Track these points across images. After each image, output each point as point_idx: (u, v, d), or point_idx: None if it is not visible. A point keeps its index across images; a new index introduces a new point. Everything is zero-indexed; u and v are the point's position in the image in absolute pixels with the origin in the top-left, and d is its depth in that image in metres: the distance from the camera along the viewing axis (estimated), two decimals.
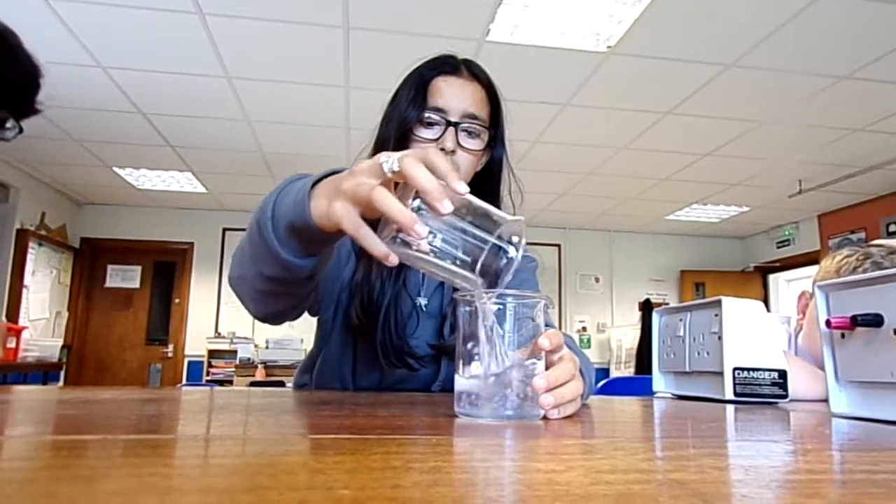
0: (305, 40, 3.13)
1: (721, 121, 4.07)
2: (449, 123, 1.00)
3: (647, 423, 0.71)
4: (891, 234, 5.48)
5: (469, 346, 0.62)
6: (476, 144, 1.04)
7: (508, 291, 0.61)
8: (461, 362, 0.63)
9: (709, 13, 2.84)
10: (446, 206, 0.52)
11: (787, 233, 6.91)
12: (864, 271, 1.24)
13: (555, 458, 0.41)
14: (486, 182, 1.12)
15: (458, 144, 1.01)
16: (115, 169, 5.35)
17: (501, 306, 0.62)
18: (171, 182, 5.75)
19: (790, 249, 6.93)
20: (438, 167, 0.54)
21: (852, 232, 5.93)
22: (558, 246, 7.39)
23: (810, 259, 6.53)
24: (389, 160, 0.55)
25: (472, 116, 1.02)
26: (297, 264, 0.69)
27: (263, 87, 3.68)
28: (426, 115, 1.01)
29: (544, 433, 0.55)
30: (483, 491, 0.29)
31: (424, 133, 1.01)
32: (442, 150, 0.99)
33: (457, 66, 1.06)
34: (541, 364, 0.63)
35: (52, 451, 0.40)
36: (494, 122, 1.10)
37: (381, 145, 1.05)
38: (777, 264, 7.17)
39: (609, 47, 3.15)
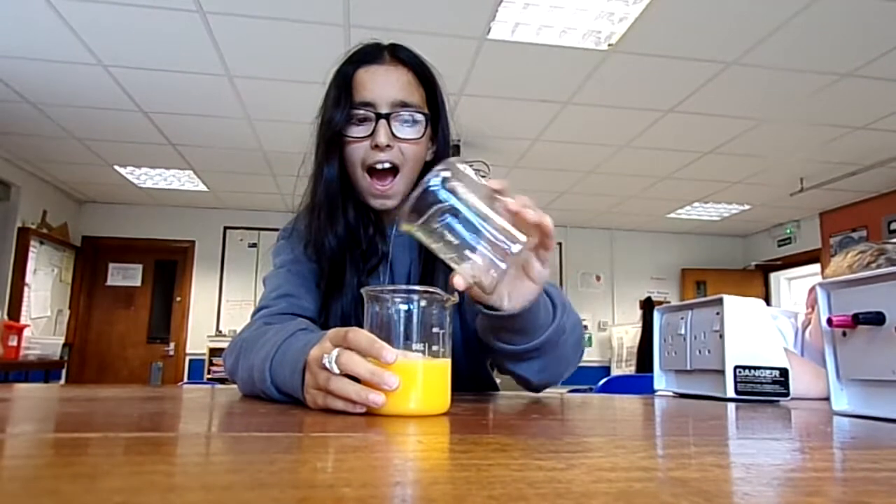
0: (306, 39, 3.13)
1: (722, 119, 4.07)
2: (379, 116, 0.94)
3: (648, 421, 0.71)
4: (892, 233, 5.47)
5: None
6: (413, 132, 0.97)
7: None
8: None
9: (710, 11, 2.83)
10: (392, 383, 0.58)
11: (788, 231, 6.91)
12: (878, 267, 1.23)
13: (556, 456, 0.41)
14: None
15: (393, 136, 0.95)
16: (117, 167, 5.35)
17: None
18: (172, 180, 5.76)
19: (791, 248, 6.92)
20: (363, 347, 0.61)
21: (854, 230, 5.92)
22: (559, 244, 7.38)
23: (812, 257, 6.53)
24: (328, 361, 0.62)
25: (403, 104, 0.96)
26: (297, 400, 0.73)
27: (264, 86, 3.68)
28: (353, 111, 0.95)
29: (545, 431, 0.55)
30: (485, 489, 0.29)
31: (355, 132, 0.95)
32: (376, 146, 0.94)
33: (378, 53, 0.99)
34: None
35: (54, 449, 0.40)
36: (433, 105, 1.01)
37: (315, 161, 1.00)
38: (778, 262, 7.17)
39: (610, 45, 3.14)
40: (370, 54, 0.99)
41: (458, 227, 0.64)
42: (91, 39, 3.15)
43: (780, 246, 7.11)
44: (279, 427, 0.54)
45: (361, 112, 0.95)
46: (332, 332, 0.66)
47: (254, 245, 6.82)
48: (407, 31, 3.01)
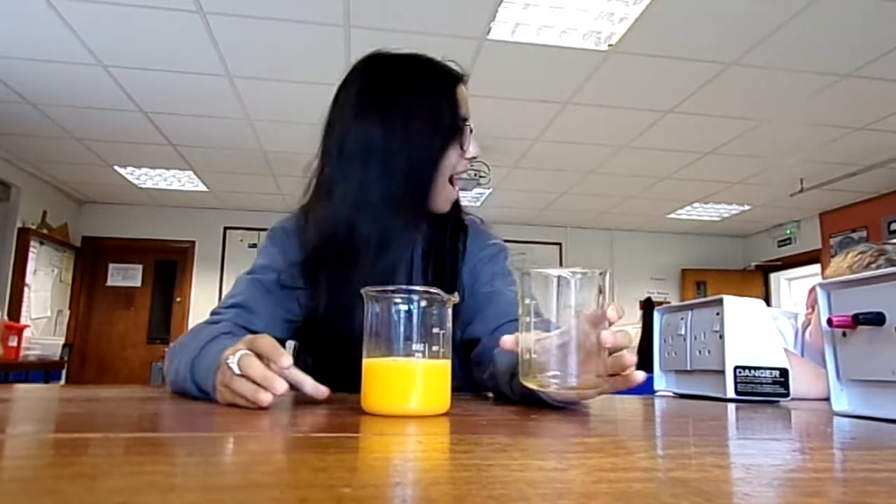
0: (306, 39, 3.13)
1: (722, 119, 4.07)
2: (471, 130, 1.01)
3: (648, 421, 0.71)
4: (892, 233, 5.47)
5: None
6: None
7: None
8: None
9: (710, 12, 2.83)
10: (278, 389, 0.64)
11: (788, 231, 6.90)
12: (878, 268, 1.23)
13: (556, 456, 0.41)
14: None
15: None
16: (117, 168, 5.35)
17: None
18: (172, 181, 5.76)
19: (791, 248, 6.92)
20: (265, 351, 0.68)
21: (853, 230, 5.92)
22: (559, 245, 7.38)
23: (811, 258, 6.52)
24: (231, 362, 0.67)
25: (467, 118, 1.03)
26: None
27: (264, 86, 3.68)
28: (464, 124, 1.00)
29: (546, 432, 0.55)
30: (485, 489, 0.29)
31: (472, 149, 1.01)
32: (471, 157, 1.01)
33: (457, 72, 1.04)
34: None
35: (54, 450, 0.40)
36: None
37: (424, 148, 0.98)
38: (778, 263, 7.17)
39: (610, 46, 3.14)
40: (452, 73, 1.03)
41: (553, 316, 0.62)
42: (91, 40, 3.15)
43: (780, 246, 7.11)
44: (279, 428, 0.54)
45: (464, 125, 1.01)
46: (246, 336, 0.72)
47: (254, 245, 6.82)
48: (407, 32, 3.01)
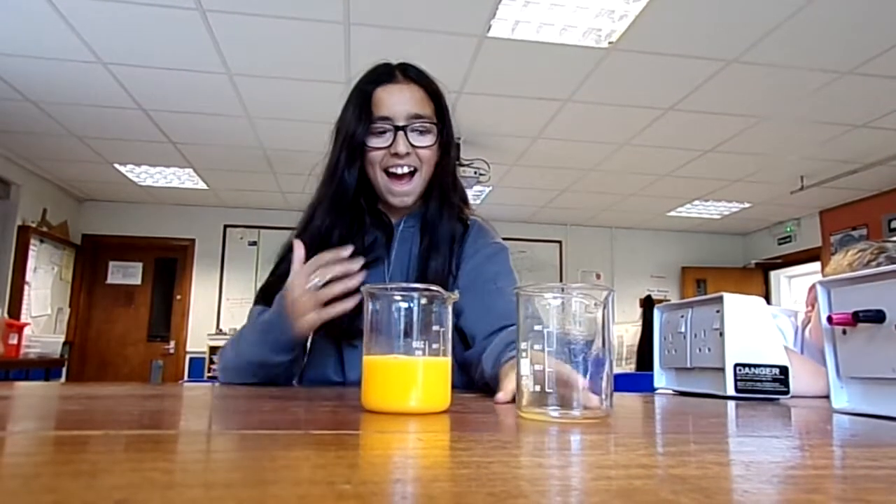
0: (306, 36, 3.12)
1: (723, 117, 4.06)
2: (397, 128, 1.06)
3: (648, 418, 0.71)
4: (892, 231, 5.47)
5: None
6: (427, 140, 1.09)
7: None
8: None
9: (710, 9, 2.83)
10: (354, 269, 0.88)
11: (788, 229, 6.90)
12: (878, 265, 1.23)
13: (556, 453, 0.41)
14: (440, 171, 1.15)
15: (411, 145, 1.07)
16: (117, 165, 5.35)
17: None
18: (173, 178, 5.75)
19: (792, 246, 6.92)
20: (327, 259, 0.90)
21: (854, 228, 5.92)
22: (559, 243, 7.38)
23: (812, 255, 6.52)
24: (310, 285, 0.90)
25: (417, 116, 1.08)
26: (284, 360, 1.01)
27: (264, 84, 3.68)
28: (374, 126, 1.07)
29: (545, 429, 0.55)
30: (485, 486, 0.29)
31: (376, 142, 1.07)
32: (395, 154, 1.06)
33: (392, 73, 1.11)
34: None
35: (55, 447, 0.40)
36: (439, 115, 1.14)
37: (334, 166, 1.11)
38: (779, 261, 7.16)
39: (610, 43, 3.14)
40: (385, 74, 1.11)
41: (553, 343, 0.59)
42: (90, 37, 3.15)
43: (780, 244, 7.11)
44: (279, 424, 0.54)
45: (381, 125, 1.07)
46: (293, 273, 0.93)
47: (254, 243, 6.82)
48: (407, 29, 3.00)
